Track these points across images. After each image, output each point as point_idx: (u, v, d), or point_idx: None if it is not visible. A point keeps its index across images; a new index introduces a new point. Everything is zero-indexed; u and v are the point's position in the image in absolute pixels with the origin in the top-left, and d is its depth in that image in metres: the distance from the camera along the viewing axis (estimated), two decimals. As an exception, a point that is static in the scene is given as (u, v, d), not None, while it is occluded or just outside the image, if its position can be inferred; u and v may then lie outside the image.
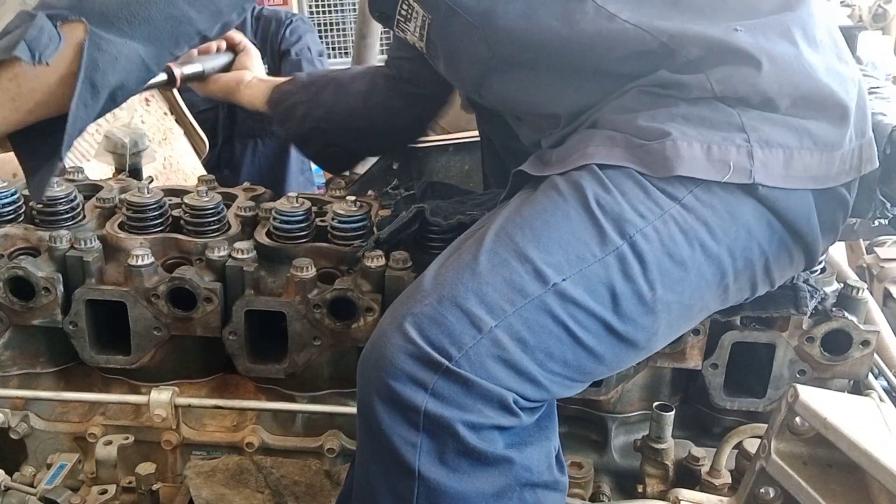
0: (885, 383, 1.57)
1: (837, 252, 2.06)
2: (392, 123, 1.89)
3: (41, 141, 1.22)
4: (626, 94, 1.23)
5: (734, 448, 1.49)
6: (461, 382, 1.03)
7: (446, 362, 1.03)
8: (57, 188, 1.60)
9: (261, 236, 1.58)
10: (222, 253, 1.51)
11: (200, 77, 1.90)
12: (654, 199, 1.12)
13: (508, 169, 1.74)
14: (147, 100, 2.71)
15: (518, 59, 1.32)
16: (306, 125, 1.87)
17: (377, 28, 3.28)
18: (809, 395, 1.23)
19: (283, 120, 1.90)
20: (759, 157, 1.13)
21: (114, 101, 1.24)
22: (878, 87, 1.51)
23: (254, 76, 1.95)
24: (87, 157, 2.37)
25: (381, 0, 1.42)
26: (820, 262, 1.52)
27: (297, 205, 1.57)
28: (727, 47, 1.17)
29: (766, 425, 1.34)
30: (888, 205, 1.34)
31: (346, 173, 2.06)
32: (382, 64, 1.91)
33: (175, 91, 2.86)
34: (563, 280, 1.08)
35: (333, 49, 5.41)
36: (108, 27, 1.14)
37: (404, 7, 1.39)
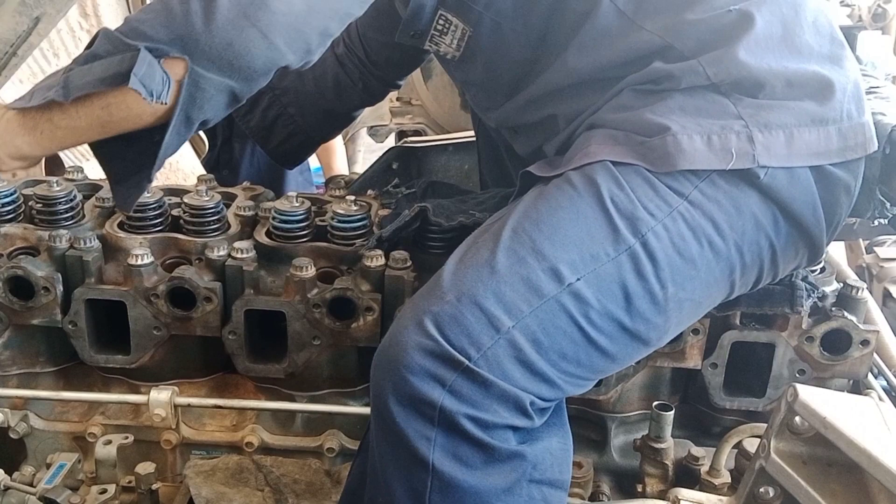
0: (884, 383, 1.58)
1: (837, 252, 2.06)
2: (353, 101, 1.87)
3: (124, 146, 1.25)
4: (620, 95, 1.25)
5: (734, 447, 1.49)
6: (480, 382, 1.05)
7: (466, 361, 1.05)
8: (56, 187, 1.60)
9: (260, 236, 1.58)
10: (222, 252, 1.51)
11: None
12: (661, 196, 1.13)
13: (508, 170, 1.75)
14: (146, 99, 2.71)
15: (549, 58, 1.33)
16: (271, 114, 1.85)
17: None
18: (809, 395, 1.23)
19: (244, 112, 1.87)
20: (760, 140, 1.15)
21: (198, 129, 1.27)
22: (877, 87, 1.51)
23: None
24: (87, 156, 2.37)
25: (417, 20, 1.40)
26: (819, 262, 1.52)
27: (297, 204, 1.57)
28: (719, 30, 1.19)
29: (765, 425, 1.34)
30: (888, 204, 1.34)
31: (346, 173, 2.05)
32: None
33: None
34: (578, 280, 1.09)
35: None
36: (209, 66, 1.16)
37: (440, 22, 1.39)
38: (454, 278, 1.11)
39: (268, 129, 1.89)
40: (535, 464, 1.10)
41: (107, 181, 1.78)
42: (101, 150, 1.27)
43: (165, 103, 1.16)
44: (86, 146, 1.35)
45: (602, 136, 1.21)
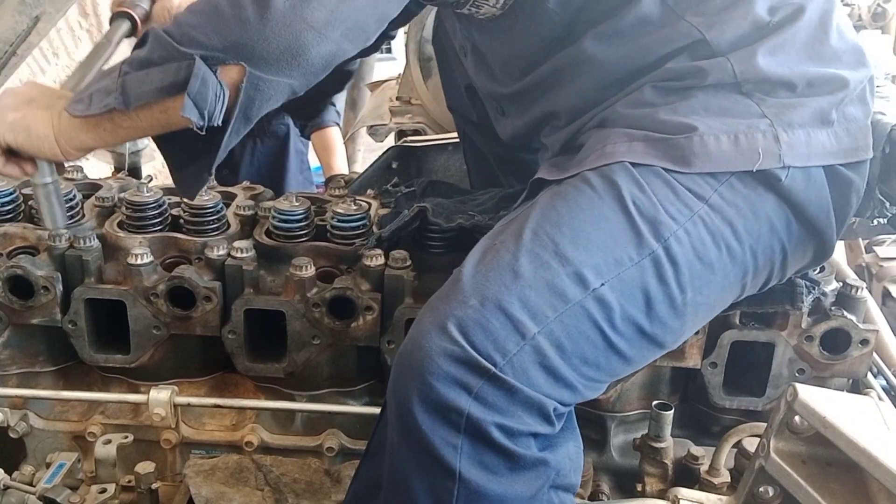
0: (883, 382, 1.57)
1: (837, 251, 2.06)
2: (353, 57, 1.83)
3: (182, 133, 1.22)
4: (641, 90, 1.23)
5: (733, 447, 1.49)
6: (506, 389, 1.04)
7: (492, 368, 1.03)
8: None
9: (260, 235, 1.58)
10: (221, 252, 1.51)
11: (147, 15, 1.72)
12: (683, 200, 1.13)
13: (493, 171, 1.75)
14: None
15: (573, 40, 1.30)
16: None
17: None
18: (808, 394, 1.23)
19: None
20: (785, 139, 1.15)
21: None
22: (877, 87, 1.51)
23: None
24: (87, 156, 2.37)
25: None
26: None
27: (297, 204, 1.57)
28: (754, 31, 1.19)
29: (765, 424, 1.34)
30: (887, 204, 1.34)
31: (346, 172, 2.04)
32: None
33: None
34: (603, 285, 1.08)
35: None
36: (267, 68, 1.13)
37: None
38: (475, 282, 1.09)
39: None
40: (559, 470, 1.10)
41: (104, 180, 1.80)
42: (159, 137, 1.27)
43: (218, 125, 1.14)
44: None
45: (618, 135, 1.20)
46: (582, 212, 1.13)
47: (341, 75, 1.95)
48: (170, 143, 1.27)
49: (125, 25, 1.67)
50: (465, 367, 1.03)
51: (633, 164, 1.15)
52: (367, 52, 1.92)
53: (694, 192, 1.14)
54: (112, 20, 1.68)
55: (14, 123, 1.26)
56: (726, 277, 1.17)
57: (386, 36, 1.91)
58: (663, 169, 1.14)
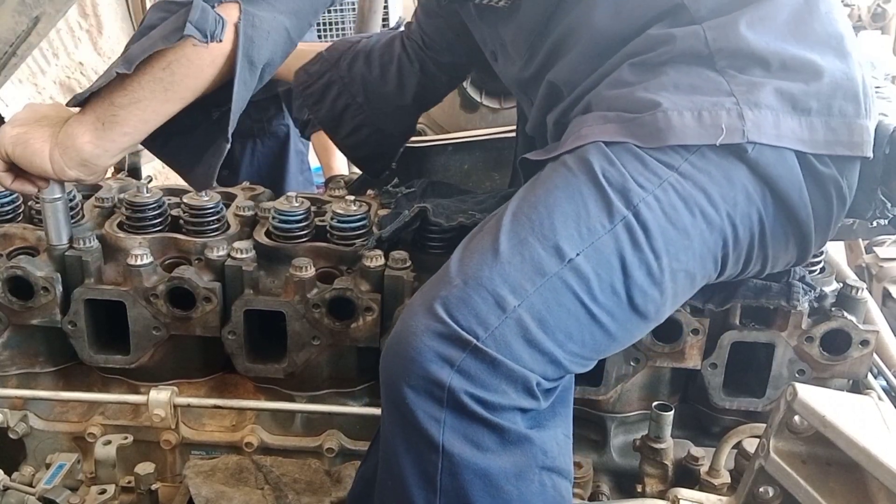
0: (883, 383, 1.58)
1: (837, 252, 2.06)
2: (412, 85, 1.84)
3: (181, 139, 1.28)
4: (619, 70, 1.26)
5: (733, 448, 1.49)
6: (488, 361, 1.06)
7: (474, 340, 1.06)
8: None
9: (260, 236, 1.58)
10: (221, 252, 1.51)
11: None
12: (651, 170, 1.15)
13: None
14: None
15: (572, 8, 1.33)
16: (340, 103, 1.84)
17: (376, 27, 3.28)
18: (808, 394, 1.23)
19: (314, 102, 1.85)
20: (750, 117, 1.17)
21: (262, 78, 1.30)
22: (877, 87, 1.51)
23: None
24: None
25: None
26: (819, 262, 1.52)
27: (297, 204, 1.58)
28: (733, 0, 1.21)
29: (765, 425, 1.34)
30: (888, 204, 1.34)
31: (346, 173, 2.04)
32: (402, 29, 1.86)
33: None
34: (578, 255, 1.11)
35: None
36: (259, 4, 1.21)
37: None
38: (460, 265, 1.13)
39: (337, 119, 1.86)
40: (545, 450, 1.11)
41: (103, 181, 1.80)
42: (164, 150, 1.29)
43: (220, 41, 1.19)
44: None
45: (594, 118, 1.24)
46: (557, 190, 1.16)
47: (403, 134, 1.98)
48: (176, 153, 1.30)
49: None
50: (448, 342, 1.06)
51: (607, 143, 1.18)
52: (442, 93, 1.93)
53: (663, 162, 1.16)
54: None
55: (16, 136, 1.31)
56: (705, 244, 1.19)
57: (455, 79, 1.91)
58: (634, 145, 1.17)
